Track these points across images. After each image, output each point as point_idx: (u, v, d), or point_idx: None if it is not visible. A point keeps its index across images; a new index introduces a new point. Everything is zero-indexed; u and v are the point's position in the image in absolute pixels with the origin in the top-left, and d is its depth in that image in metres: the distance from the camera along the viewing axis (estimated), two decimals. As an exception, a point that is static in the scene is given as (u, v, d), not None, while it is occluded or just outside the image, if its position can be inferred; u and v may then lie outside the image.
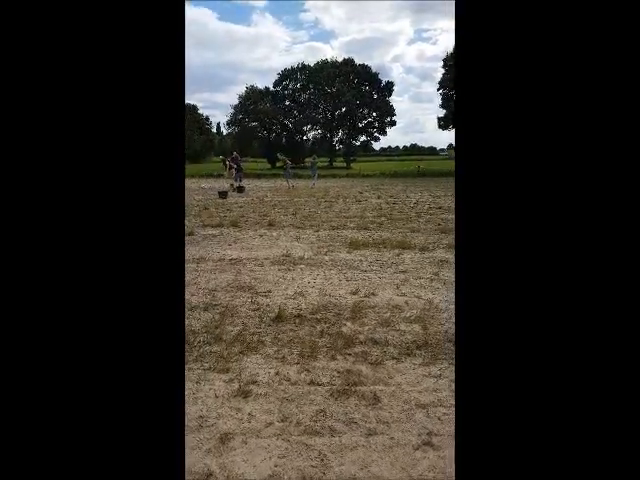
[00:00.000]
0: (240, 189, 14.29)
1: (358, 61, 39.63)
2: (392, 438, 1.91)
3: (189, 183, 17.30)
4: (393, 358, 2.65)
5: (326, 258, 5.27)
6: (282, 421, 2.04)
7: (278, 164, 17.21)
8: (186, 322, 3.23)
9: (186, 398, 2.23)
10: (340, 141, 41.82)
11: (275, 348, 2.80)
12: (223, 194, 12.63)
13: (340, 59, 39.67)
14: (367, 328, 3.11)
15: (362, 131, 41.09)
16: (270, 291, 3.98)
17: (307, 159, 19.43)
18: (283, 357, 2.67)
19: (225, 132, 48.61)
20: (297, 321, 3.24)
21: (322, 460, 1.79)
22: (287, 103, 39.49)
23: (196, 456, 1.82)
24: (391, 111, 39.57)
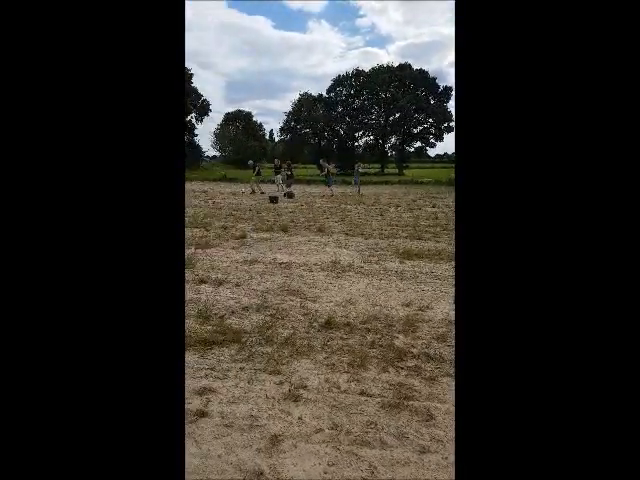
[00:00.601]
0: (290, 195, 14.54)
1: (415, 66, 39.23)
2: (446, 458, 1.85)
3: (240, 188, 17.81)
4: (448, 375, 2.56)
5: (376, 267, 5.22)
6: (332, 429, 2.04)
7: (324, 173, 17.30)
8: (238, 322, 3.33)
9: (238, 396, 2.29)
10: (393, 147, 41.38)
11: (324, 355, 2.80)
12: (274, 199, 12.91)
13: (396, 64, 39.41)
14: (421, 342, 3.04)
15: (417, 137, 40.48)
16: (319, 297, 4.00)
17: (356, 166, 19.13)
18: (333, 364, 2.67)
19: (277, 139, 49.73)
20: (347, 329, 3.23)
21: (372, 472, 1.76)
22: (340, 109, 39.70)
23: (247, 454, 1.85)
24: (448, 116, 38.63)
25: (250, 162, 17.79)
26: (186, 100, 37.74)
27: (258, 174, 16.66)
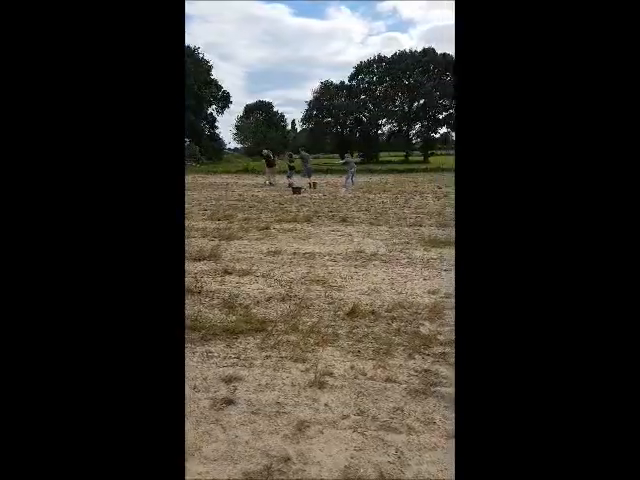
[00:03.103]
0: (314, 185, 14.53)
1: (439, 50, 37.99)
2: (475, 444, 1.81)
3: (263, 180, 17.86)
4: (475, 361, 2.51)
5: (401, 255, 5.15)
6: (358, 415, 2.04)
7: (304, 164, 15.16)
8: (264, 311, 3.36)
9: (264, 384, 2.32)
10: (417, 134, 40.57)
11: (350, 342, 2.79)
12: (297, 190, 12.93)
13: (419, 49, 38.44)
14: (447, 329, 2.98)
15: (442, 123, 39.51)
16: (344, 286, 3.99)
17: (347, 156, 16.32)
18: (358, 352, 2.66)
19: (299, 129, 49.58)
20: (372, 317, 3.20)
21: (399, 457, 1.75)
22: (362, 97, 39.14)
23: (274, 440, 1.87)
24: (474, 101, 37.47)
25: (265, 151, 16.82)
26: (206, 92, 37.88)
27: (271, 165, 16.40)
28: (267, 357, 2.62)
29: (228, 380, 2.35)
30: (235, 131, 49.60)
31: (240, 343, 2.82)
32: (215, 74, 39.59)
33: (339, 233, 6.61)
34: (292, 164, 16.09)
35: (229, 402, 2.15)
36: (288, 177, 15.26)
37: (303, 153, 15.62)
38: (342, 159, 16.30)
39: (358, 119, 38.98)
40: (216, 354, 2.66)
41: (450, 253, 5.19)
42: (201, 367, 2.50)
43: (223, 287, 3.98)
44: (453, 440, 1.83)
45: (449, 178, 18.11)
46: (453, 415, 2.00)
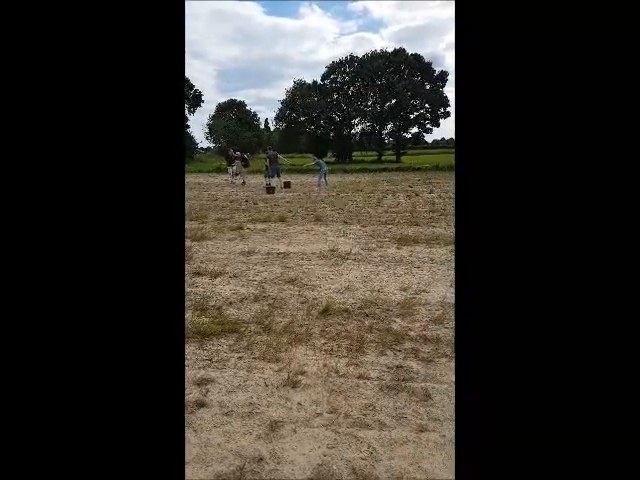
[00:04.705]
0: (287, 184, 14.48)
1: (410, 50, 38.52)
2: (444, 436, 1.86)
3: (238, 180, 17.65)
4: (445, 356, 2.57)
5: (374, 254, 5.21)
6: (331, 412, 2.05)
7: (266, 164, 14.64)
8: (236, 312, 3.33)
9: (237, 385, 2.30)
10: (390, 134, 41.02)
11: (323, 341, 2.81)
12: (271, 190, 12.86)
13: (390, 49, 38.90)
14: (418, 325, 3.04)
15: (413, 123, 40.08)
16: (317, 285, 4.00)
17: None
18: (331, 350, 2.68)
19: (273, 128, 49.10)
20: (345, 315, 3.23)
21: (371, 453, 1.77)
22: (335, 96, 39.26)
23: (247, 441, 1.86)
24: (445, 102, 38.22)
25: (231, 152, 16.82)
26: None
27: (245, 165, 16.49)
28: (240, 358, 2.60)
29: (200, 383, 2.32)
30: (207, 130, 48.72)
31: (212, 345, 2.78)
32: (186, 72, 38.84)
33: (313, 232, 6.62)
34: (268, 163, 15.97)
35: (201, 405, 2.12)
36: (266, 177, 15.10)
37: (270, 152, 15.08)
38: (313, 161, 16.28)
39: (331, 118, 39.09)
40: (187, 357, 2.62)
41: (420, 250, 5.29)
42: (172, 370, 2.46)
43: (194, 289, 3.92)
44: (424, 434, 1.88)
45: (420, 177, 18.41)
46: (424, 410, 2.05)
